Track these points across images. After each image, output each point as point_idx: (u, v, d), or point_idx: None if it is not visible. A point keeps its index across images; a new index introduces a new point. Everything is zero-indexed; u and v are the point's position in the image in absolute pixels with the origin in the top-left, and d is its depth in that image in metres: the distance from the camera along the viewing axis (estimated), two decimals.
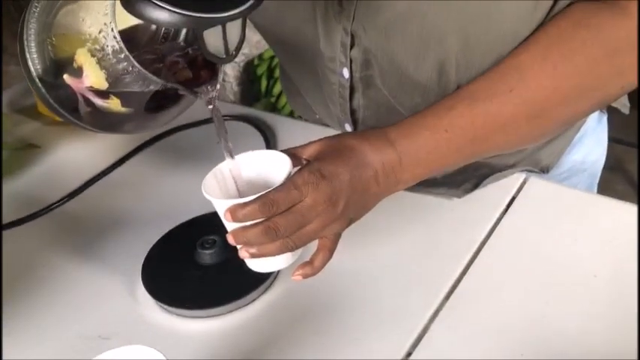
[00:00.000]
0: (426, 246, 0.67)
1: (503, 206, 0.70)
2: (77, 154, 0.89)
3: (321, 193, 0.51)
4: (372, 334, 0.58)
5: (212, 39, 0.49)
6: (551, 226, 0.67)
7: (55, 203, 0.79)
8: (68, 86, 0.58)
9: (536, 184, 0.73)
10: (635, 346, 0.54)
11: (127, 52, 0.53)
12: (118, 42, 0.53)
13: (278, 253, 0.53)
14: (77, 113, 0.60)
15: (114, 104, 0.58)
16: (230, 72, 2.14)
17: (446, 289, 0.62)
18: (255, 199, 0.50)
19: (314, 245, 0.55)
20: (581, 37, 0.56)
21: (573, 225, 0.67)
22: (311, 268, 0.54)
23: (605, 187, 0.71)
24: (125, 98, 0.58)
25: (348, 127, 0.75)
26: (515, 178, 0.73)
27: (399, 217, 0.70)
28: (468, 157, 0.60)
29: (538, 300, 0.60)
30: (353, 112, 0.73)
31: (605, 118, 0.83)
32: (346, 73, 0.68)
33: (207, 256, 0.64)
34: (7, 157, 0.90)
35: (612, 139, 1.90)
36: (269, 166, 0.55)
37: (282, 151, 0.55)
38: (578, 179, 0.81)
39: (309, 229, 0.52)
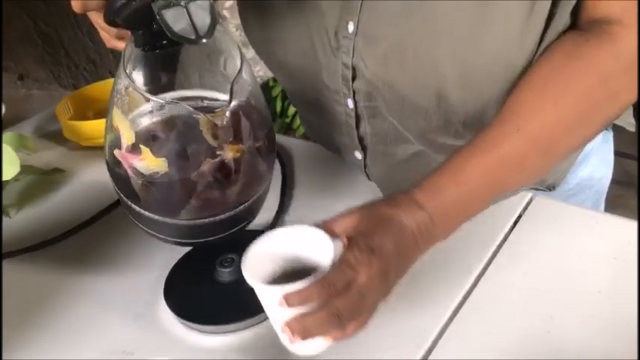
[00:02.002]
0: (434, 264, 0.68)
1: (510, 224, 0.73)
2: (101, 177, 0.91)
3: (374, 269, 0.52)
4: (382, 349, 0.60)
5: (179, 24, 0.51)
6: (556, 244, 0.70)
7: (80, 225, 0.82)
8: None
9: (542, 202, 0.75)
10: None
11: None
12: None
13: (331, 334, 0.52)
14: (137, 198, 0.61)
15: (148, 158, 0.58)
16: None
17: (454, 305, 0.64)
18: (312, 284, 0.50)
19: None
20: (574, 68, 0.59)
21: (578, 242, 0.69)
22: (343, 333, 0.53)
23: (618, 203, 0.73)
24: (155, 148, 0.59)
25: (358, 155, 0.78)
26: (521, 197, 0.76)
27: None
28: (491, 201, 0.62)
29: (543, 315, 0.62)
30: (361, 140, 0.76)
31: (610, 135, 0.85)
32: (350, 103, 0.71)
33: (226, 274, 0.67)
34: (34, 181, 0.94)
35: (625, 155, 1.92)
36: (307, 243, 0.56)
37: (315, 225, 0.56)
38: (585, 196, 0.83)
39: (366, 305, 0.53)
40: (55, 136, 1.03)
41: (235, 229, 0.64)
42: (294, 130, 2.08)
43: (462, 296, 0.65)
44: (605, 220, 0.73)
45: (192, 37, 0.52)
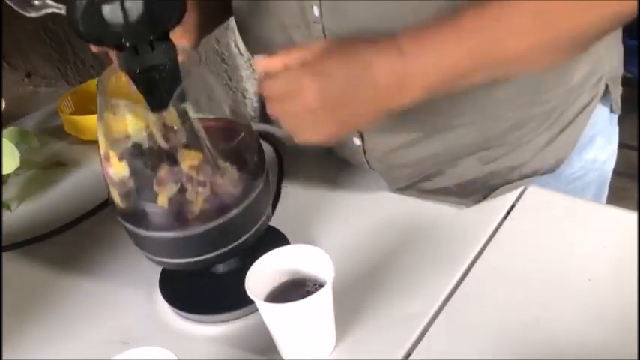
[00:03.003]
0: (427, 250, 0.70)
1: (503, 214, 0.73)
2: (100, 171, 0.93)
3: (315, 84, 0.55)
4: (373, 336, 0.61)
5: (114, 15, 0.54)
6: (547, 233, 0.70)
7: (79, 218, 0.84)
8: None
9: (535, 192, 0.75)
10: (628, 347, 0.57)
11: None
12: None
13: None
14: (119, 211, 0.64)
15: (114, 163, 0.61)
16: (250, 88, 2.19)
17: (446, 292, 0.65)
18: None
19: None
20: None
21: (569, 231, 0.70)
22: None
23: (622, 196, 0.73)
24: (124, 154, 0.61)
25: (357, 141, 0.79)
26: (515, 187, 0.76)
27: (401, 222, 0.74)
28: (478, 64, 0.57)
29: (534, 303, 0.62)
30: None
31: (615, 118, 0.84)
32: None
33: (220, 265, 0.68)
34: (36, 175, 0.95)
35: (630, 147, 1.90)
36: (306, 260, 0.60)
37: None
38: (589, 179, 0.83)
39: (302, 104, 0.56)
40: (56, 131, 1.05)
41: (228, 248, 0.63)
42: None
43: (454, 284, 0.65)
44: (596, 210, 0.73)
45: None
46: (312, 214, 0.78)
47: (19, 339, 0.68)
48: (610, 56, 0.78)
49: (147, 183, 0.60)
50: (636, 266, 0.63)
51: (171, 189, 0.59)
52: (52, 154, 0.99)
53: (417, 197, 0.78)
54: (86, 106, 1.07)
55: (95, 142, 0.99)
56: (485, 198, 0.75)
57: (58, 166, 0.96)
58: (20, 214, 0.88)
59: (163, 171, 0.59)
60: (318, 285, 0.59)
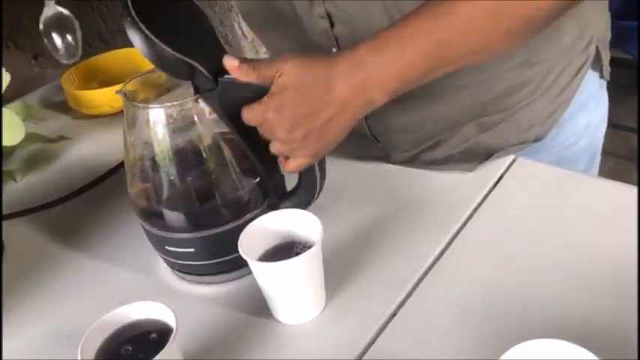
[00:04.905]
0: (416, 218, 0.72)
1: (492, 183, 0.75)
2: (103, 144, 0.96)
3: (282, 120, 0.59)
4: (361, 297, 0.64)
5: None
6: (533, 202, 0.72)
7: (83, 187, 0.87)
8: None
9: (524, 164, 0.78)
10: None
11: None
12: None
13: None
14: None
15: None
16: None
17: (432, 257, 0.67)
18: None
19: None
20: None
21: (553, 200, 0.72)
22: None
23: (623, 177, 0.75)
24: None
25: None
26: (505, 159, 0.78)
27: (392, 190, 0.77)
28: (437, 62, 0.61)
29: (516, 269, 0.64)
30: None
31: (605, 83, 0.86)
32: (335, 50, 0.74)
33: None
34: (40, 148, 0.98)
35: (631, 129, 1.91)
36: (298, 223, 0.62)
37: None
38: (582, 145, 0.85)
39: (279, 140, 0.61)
40: (60, 106, 1.07)
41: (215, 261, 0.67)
42: None
43: (440, 250, 0.68)
44: (579, 180, 0.75)
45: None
46: None
47: (22, 303, 0.70)
48: (597, 19, 0.79)
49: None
50: (615, 234, 0.66)
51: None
52: (56, 128, 1.02)
53: (420, 168, 0.80)
54: (89, 82, 1.09)
55: (99, 117, 1.02)
56: (486, 159, 0.78)
57: (61, 140, 0.99)
58: (25, 184, 0.91)
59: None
60: (308, 247, 0.61)
